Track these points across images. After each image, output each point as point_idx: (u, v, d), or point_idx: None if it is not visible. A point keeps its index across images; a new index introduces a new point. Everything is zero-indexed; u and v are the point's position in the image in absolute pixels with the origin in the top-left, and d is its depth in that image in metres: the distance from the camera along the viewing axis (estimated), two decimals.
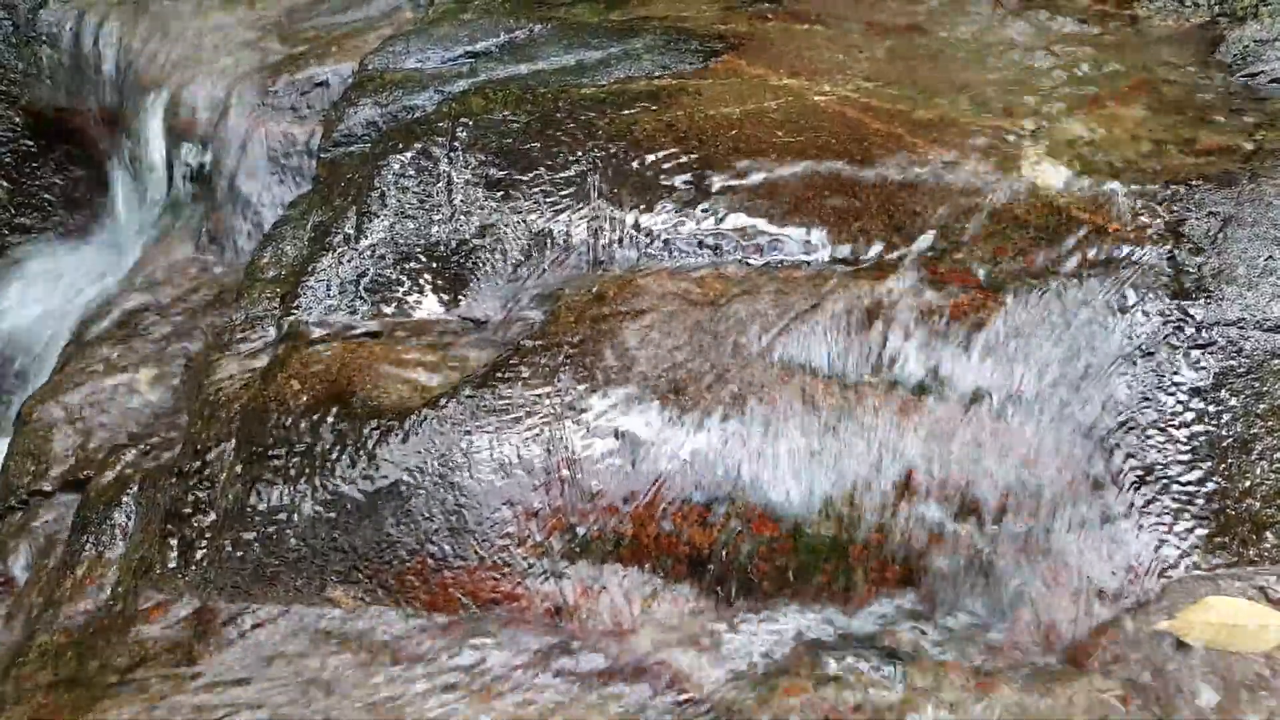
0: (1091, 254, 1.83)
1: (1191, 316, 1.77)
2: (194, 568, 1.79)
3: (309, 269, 2.07)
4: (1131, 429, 1.70)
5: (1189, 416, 1.71)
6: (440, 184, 2.10)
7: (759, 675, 1.59)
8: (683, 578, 1.68)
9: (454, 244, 2.04)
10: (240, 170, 2.85)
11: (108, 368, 2.48)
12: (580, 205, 2.02)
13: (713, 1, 2.78)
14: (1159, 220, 1.87)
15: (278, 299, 2.17)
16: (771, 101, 2.18)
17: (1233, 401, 1.72)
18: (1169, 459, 1.69)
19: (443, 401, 1.77)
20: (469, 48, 2.64)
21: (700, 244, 1.93)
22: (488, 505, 1.70)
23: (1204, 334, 1.76)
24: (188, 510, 1.85)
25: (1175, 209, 1.89)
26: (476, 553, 1.69)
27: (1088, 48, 2.43)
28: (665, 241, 1.94)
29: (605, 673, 1.60)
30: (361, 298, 2.02)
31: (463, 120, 2.18)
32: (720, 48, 2.45)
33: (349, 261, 2.06)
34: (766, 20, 2.63)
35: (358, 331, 1.98)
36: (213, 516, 1.82)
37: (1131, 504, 1.67)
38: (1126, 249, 1.83)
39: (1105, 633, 1.59)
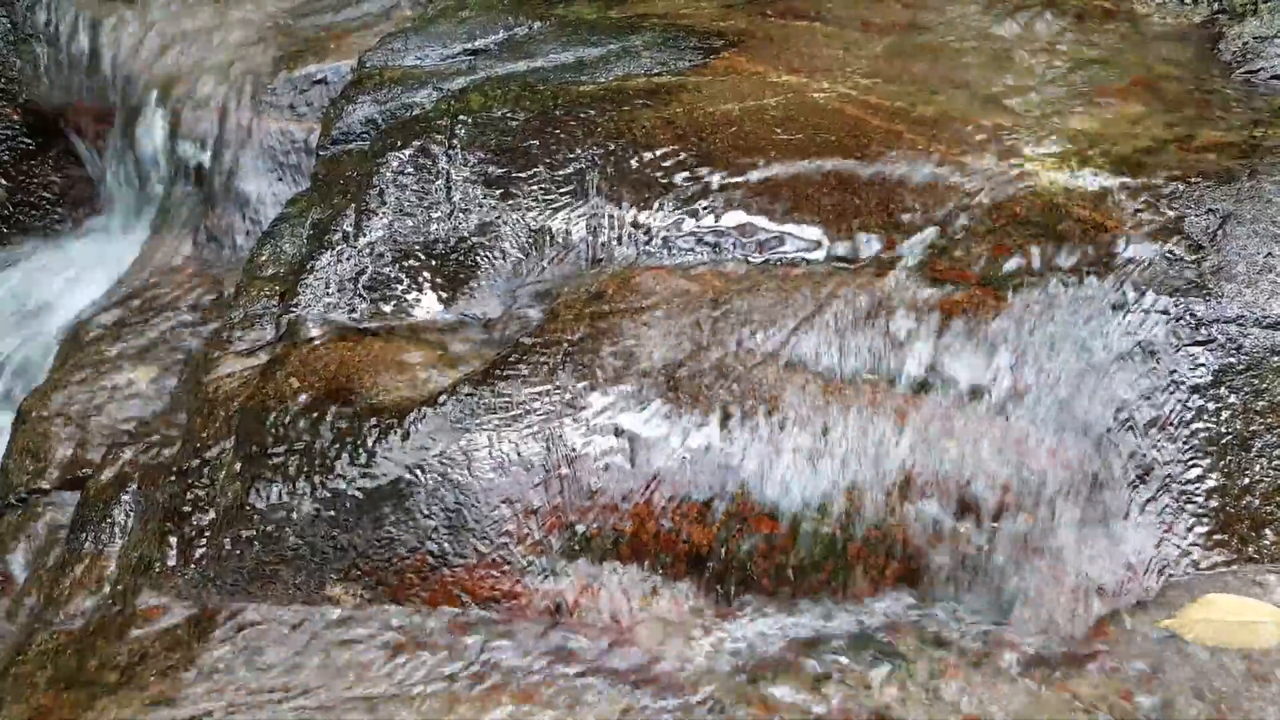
0: (1090, 251, 1.82)
1: (1191, 313, 1.77)
2: (193, 566, 1.79)
3: (308, 267, 2.07)
4: (1131, 426, 1.70)
5: (1188, 414, 1.71)
6: (439, 182, 2.10)
7: (758, 673, 1.59)
8: (682, 575, 1.68)
9: (453, 242, 2.04)
10: (239, 168, 2.85)
11: (107, 366, 2.48)
12: (579, 203, 2.01)
13: None
14: (1158, 217, 1.87)
15: (276, 297, 2.17)
16: (771, 99, 2.18)
17: (1232, 399, 1.72)
18: (1168, 456, 1.69)
19: (442, 399, 1.77)
20: (468, 45, 2.64)
21: (700, 241, 1.93)
22: (487, 503, 1.70)
23: (1203, 331, 1.76)
24: (187, 508, 1.84)
25: (1175, 206, 1.89)
26: (476, 550, 1.69)
27: (1087, 45, 2.43)
28: (665, 239, 1.94)
29: (604, 670, 1.60)
30: (360, 295, 2.02)
31: (462, 118, 2.18)
32: (720, 45, 2.45)
33: (348, 259, 2.06)
34: (766, 17, 2.63)
35: (357, 329, 1.98)
36: (212, 515, 1.82)
37: (1131, 501, 1.67)
38: (1125, 246, 1.83)
39: (1105, 630, 1.59)
